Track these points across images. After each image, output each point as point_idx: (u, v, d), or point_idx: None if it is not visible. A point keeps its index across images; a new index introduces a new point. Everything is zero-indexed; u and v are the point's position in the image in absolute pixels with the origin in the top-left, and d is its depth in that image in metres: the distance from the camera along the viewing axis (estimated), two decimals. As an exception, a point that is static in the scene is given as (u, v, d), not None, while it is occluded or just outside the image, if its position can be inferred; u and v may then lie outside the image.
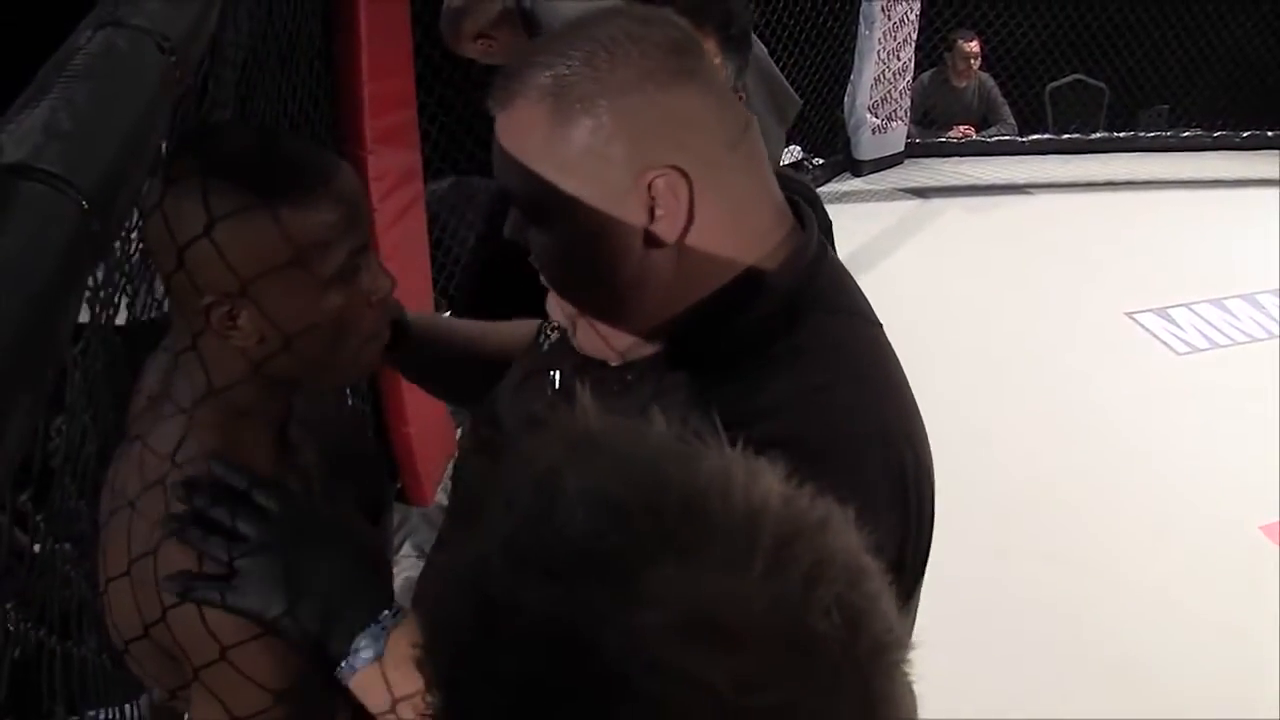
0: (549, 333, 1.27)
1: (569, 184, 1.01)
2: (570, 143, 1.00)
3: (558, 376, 1.21)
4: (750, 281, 1.05)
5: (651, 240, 1.02)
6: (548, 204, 1.03)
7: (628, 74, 1.00)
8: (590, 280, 1.07)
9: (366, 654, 0.99)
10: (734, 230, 1.05)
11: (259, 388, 1.14)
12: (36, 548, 1.11)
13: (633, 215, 1.01)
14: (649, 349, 1.09)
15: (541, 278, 1.11)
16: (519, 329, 1.46)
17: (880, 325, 1.12)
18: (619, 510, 0.54)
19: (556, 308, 1.12)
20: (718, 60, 2.17)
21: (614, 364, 1.12)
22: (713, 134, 1.03)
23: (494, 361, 1.38)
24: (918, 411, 1.08)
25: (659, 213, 1.01)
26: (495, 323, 1.55)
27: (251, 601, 1.00)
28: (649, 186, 1.00)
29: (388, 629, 0.99)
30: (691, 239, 1.03)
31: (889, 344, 1.10)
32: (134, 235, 1.15)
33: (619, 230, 1.02)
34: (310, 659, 1.01)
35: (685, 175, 1.00)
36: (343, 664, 0.99)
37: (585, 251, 1.04)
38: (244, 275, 1.07)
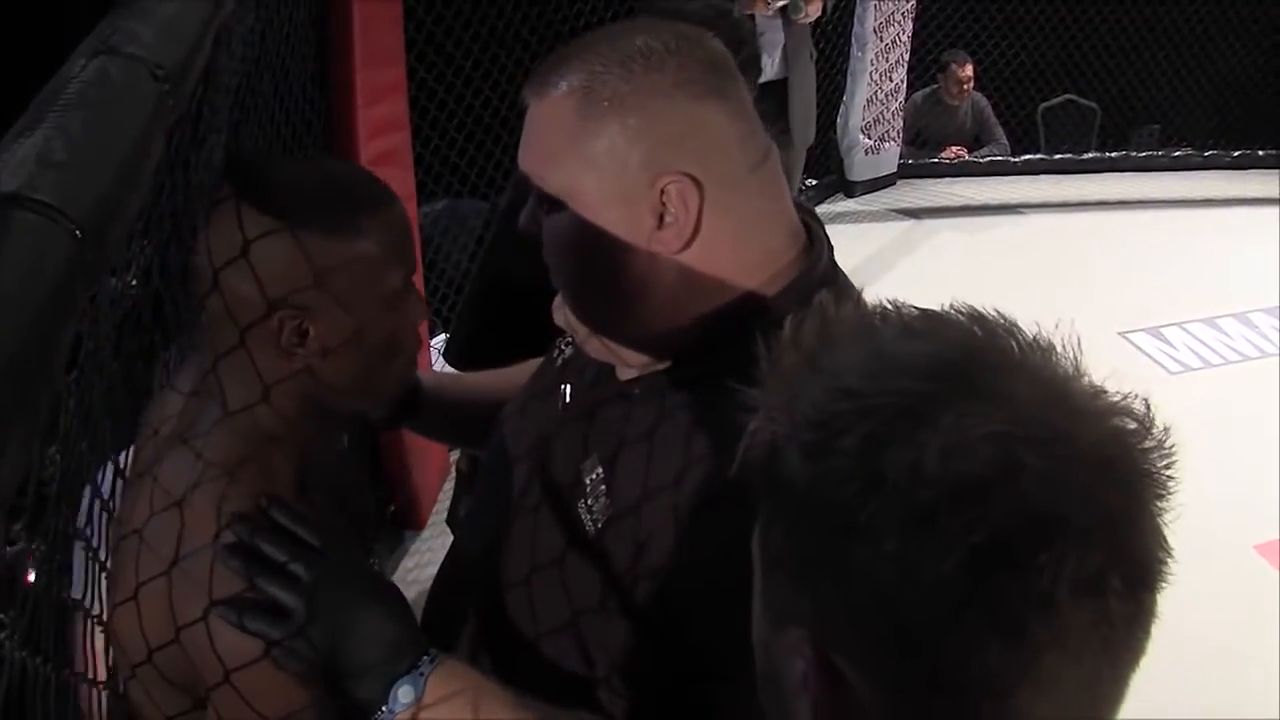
0: (563, 347, 1.28)
1: (588, 178, 1.03)
2: (595, 138, 1.02)
3: (569, 390, 1.21)
4: (754, 303, 1.06)
5: (657, 245, 1.04)
6: (565, 195, 1.05)
7: (661, 81, 1.02)
8: (595, 279, 1.08)
9: (406, 699, 1.00)
10: (742, 249, 1.06)
11: (294, 414, 1.17)
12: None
13: (643, 217, 1.03)
14: (657, 364, 1.10)
15: (551, 277, 1.12)
16: (528, 372, 1.47)
17: None
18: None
19: (561, 312, 1.13)
20: None
21: (623, 377, 1.12)
22: (735, 154, 1.05)
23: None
24: None
25: (667, 219, 1.03)
26: (504, 370, 1.57)
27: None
28: (662, 191, 1.02)
29: (425, 675, 1.00)
30: (696, 250, 1.04)
31: None
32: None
33: (627, 230, 1.03)
34: (346, 702, 1.01)
35: (699, 185, 1.02)
36: (382, 709, 1.00)
37: (593, 247, 1.05)
38: (323, 287, 1.13)
